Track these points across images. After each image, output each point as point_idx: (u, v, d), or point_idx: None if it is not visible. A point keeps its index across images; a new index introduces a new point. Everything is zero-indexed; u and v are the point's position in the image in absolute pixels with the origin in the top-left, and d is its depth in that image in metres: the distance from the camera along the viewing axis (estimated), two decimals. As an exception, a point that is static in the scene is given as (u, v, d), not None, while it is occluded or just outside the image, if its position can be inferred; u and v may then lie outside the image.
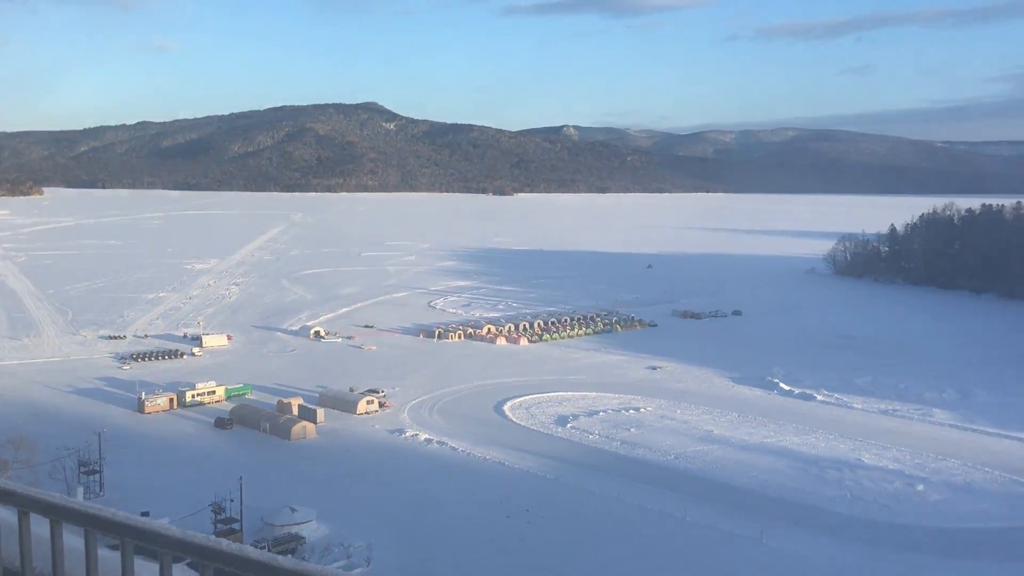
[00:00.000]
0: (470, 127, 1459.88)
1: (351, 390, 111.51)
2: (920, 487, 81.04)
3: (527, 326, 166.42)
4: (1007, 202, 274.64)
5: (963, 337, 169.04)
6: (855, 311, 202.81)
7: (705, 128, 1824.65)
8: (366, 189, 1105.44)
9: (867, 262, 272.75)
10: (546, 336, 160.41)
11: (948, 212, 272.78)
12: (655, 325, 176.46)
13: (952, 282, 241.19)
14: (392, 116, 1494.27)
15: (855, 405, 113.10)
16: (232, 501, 68.59)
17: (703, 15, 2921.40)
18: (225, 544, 4.95)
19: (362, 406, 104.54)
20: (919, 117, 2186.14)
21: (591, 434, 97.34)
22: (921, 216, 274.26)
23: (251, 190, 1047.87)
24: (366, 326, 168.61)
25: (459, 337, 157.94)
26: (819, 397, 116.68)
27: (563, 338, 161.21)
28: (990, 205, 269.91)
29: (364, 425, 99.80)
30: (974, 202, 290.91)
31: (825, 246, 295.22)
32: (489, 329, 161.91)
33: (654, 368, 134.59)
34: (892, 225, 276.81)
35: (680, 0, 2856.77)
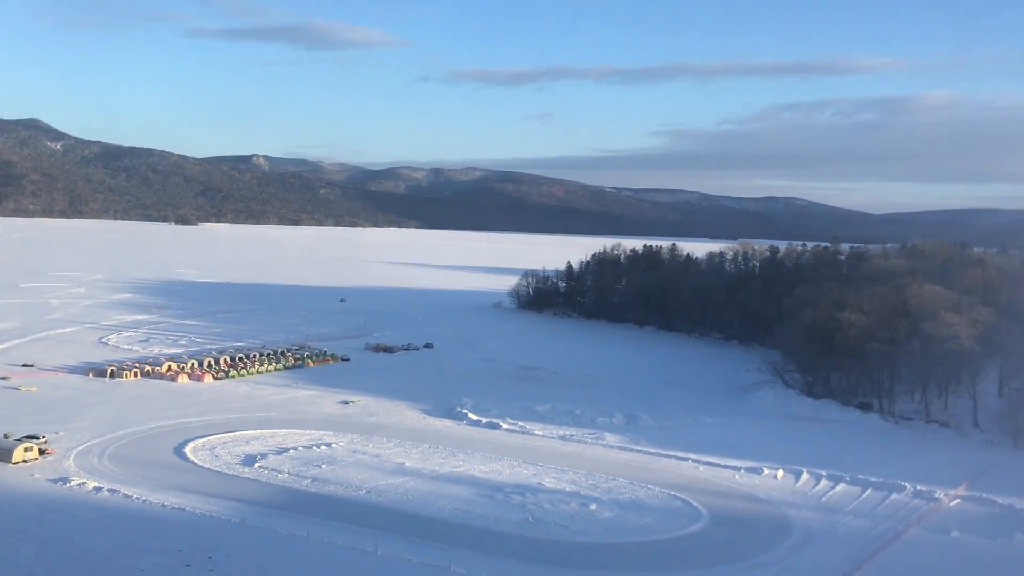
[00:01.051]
0: (149, 151, 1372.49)
1: (5, 436, 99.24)
2: (593, 506, 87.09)
3: (212, 362, 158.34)
4: (664, 244, 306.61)
5: (629, 366, 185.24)
6: (537, 343, 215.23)
7: (398, 164, 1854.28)
8: (26, 214, 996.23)
9: (547, 297, 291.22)
10: (233, 372, 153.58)
11: (616, 252, 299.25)
12: (348, 359, 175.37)
13: (620, 316, 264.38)
14: (59, 135, 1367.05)
15: (537, 432, 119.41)
16: None
17: (396, 54, 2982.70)
18: None
19: (19, 454, 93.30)
20: (592, 163, 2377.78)
21: (280, 473, 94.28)
22: (593, 255, 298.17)
23: None
24: (24, 365, 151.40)
25: (135, 375, 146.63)
26: (504, 426, 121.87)
27: (251, 374, 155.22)
28: (651, 246, 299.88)
29: (21, 475, 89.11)
30: (638, 243, 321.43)
31: (510, 281, 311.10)
32: (170, 366, 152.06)
33: (347, 402, 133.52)
34: (569, 263, 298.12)
35: (373, 38, 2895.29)
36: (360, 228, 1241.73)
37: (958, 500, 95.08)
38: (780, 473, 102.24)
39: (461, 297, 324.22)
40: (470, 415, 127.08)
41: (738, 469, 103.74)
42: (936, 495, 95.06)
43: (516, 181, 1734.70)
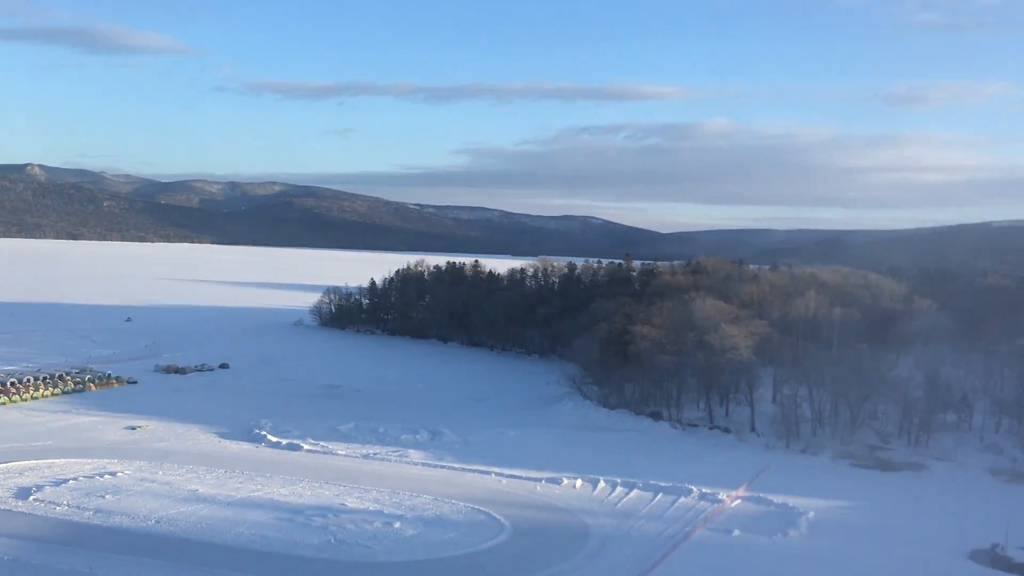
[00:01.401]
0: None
1: None
2: (397, 524, 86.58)
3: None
4: (467, 260, 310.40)
5: (433, 382, 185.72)
6: (340, 361, 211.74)
7: (191, 177, 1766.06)
8: None
9: (350, 313, 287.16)
10: (3, 399, 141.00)
11: (420, 268, 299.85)
12: (135, 382, 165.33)
13: (424, 332, 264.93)
14: None
15: (340, 452, 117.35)
16: None
17: (189, 62, 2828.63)
18: None
19: None
20: (395, 180, 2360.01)
21: (59, 505, 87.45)
22: (397, 271, 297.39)
23: None
24: None
25: None
26: (306, 446, 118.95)
27: (25, 400, 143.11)
28: (454, 262, 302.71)
29: None
30: (441, 259, 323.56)
31: (311, 298, 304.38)
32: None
33: (134, 428, 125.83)
34: (372, 279, 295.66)
35: (164, 45, 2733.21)
36: (149, 243, 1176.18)
37: (739, 501, 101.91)
38: (579, 482, 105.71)
39: (259, 315, 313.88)
40: (269, 437, 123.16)
41: (539, 480, 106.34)
42: (719, 497, 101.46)
43: (317, 196, 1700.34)
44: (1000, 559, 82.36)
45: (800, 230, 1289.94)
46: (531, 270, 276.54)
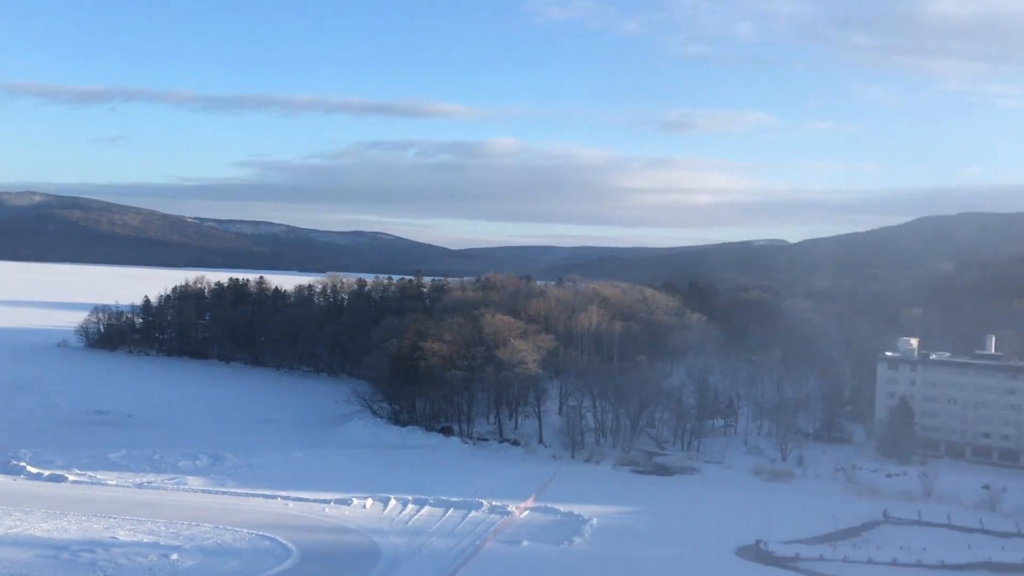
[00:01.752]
0: None
1: None
2: (174, 556, 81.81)
3: None
4: (251, 276, 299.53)
5: (215, 404, 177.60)
6: (110, 384, 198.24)
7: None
8: None
9: (121, 334, 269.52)
10: None
11: (199, 285, 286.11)
12: None
13: (204, 352, 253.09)
14: None
15: (109, 482, 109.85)
16: None
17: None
18: None
19: None
20: (172, 192, 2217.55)
21: None
22: (174, 288, 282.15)
23: None
24: None
25: None
26: (71, 477, 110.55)
27: None
28: (237, 279, 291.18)
29: None
30: (223, 276, 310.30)
31: (78, 317, 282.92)
32: None
33: None
34: (146, 297, 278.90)
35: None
36: None
37: (527, 511, 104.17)
38: (369, 502, 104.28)
39: (17, 336, 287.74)
40: (28, 468, 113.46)
41: (328, 502, 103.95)
42: (509, 509, 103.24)
43: (84, 208, 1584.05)
44: (764, 554, 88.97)
45: (583, 247, 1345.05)
46: (319, 287, 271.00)
